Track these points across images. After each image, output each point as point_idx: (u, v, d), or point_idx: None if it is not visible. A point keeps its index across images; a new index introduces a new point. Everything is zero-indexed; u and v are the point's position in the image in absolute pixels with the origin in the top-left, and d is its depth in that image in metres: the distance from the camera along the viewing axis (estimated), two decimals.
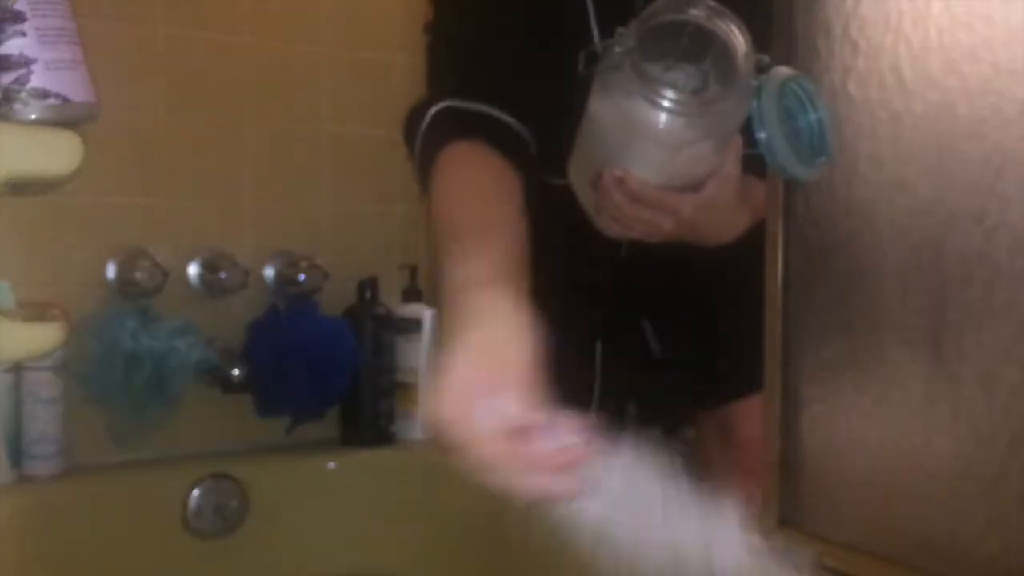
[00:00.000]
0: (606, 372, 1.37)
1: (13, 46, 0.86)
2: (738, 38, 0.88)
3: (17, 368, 1.28)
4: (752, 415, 1.19)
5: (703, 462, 1.42)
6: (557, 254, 1.35)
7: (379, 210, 1.60)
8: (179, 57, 1.44)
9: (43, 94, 0.87)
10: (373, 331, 1.52)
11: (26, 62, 0.86)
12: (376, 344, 1.52)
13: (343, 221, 1.57)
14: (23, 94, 0.86)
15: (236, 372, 1.40)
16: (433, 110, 1.01)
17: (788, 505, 0.94)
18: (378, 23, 1.61)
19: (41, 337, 0.92)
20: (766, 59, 0.88)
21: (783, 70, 0.91)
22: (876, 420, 0.86)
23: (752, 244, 1.09)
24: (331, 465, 1.47)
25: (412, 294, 1.57)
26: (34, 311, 1.19)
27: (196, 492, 1.35)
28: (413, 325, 1.53)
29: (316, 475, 1.46)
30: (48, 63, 0.87)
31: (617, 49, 0.91)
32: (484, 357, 0.72)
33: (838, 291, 0.89)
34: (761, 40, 0.98)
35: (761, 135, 0.88)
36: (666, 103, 0.90)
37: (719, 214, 1.03)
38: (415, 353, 1.53)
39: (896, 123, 0.83)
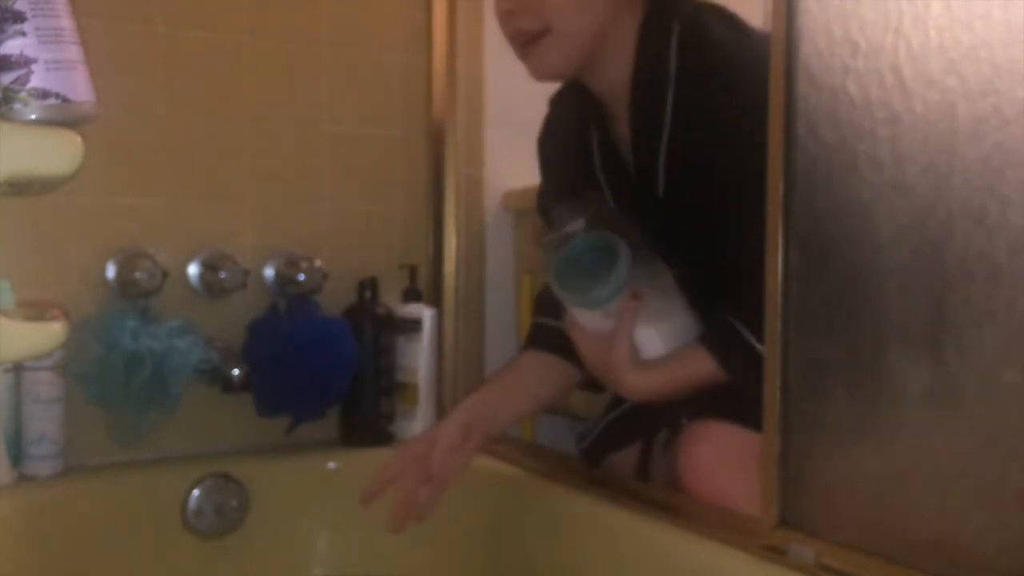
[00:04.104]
0: None
1: (13, 46, 0.86)
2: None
3: (17, 368, 1.28)
4: (697, 451, 1.11)
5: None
6: None
7: (379, 210, 1.60)
8: (179, 57, 1.44)
9: (43, 94, 0.87)
10: (373, 331, 1.51)
11: (26, 62, 0.86)
12: (376, 344, 1.52)
13: (343, 221, 1.57)
14: (23, 94, 0.86)
15: (236, 372, 1.40)
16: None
17: (788, 505, 0.94)
18: (378, 23, 1.61)
19: (41, 337, 0.92)
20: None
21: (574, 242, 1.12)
22: (876, 420, 0.86)
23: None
24: (331, 465, 1.47)
25: (412, 294, 1.57)
26: (34, 311, 1.19)
27: (196, 492, 1.35)
28: (413, 325, 1.53)
29: (316, 475, 1.46)
30: (48, 63, 0.87)
31: None
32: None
33: (838, 291, 0.89)
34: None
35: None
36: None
37: (604, 370, 1.15)
38: (415, 353, 1.53)
39: (896, 123, 0.83)
